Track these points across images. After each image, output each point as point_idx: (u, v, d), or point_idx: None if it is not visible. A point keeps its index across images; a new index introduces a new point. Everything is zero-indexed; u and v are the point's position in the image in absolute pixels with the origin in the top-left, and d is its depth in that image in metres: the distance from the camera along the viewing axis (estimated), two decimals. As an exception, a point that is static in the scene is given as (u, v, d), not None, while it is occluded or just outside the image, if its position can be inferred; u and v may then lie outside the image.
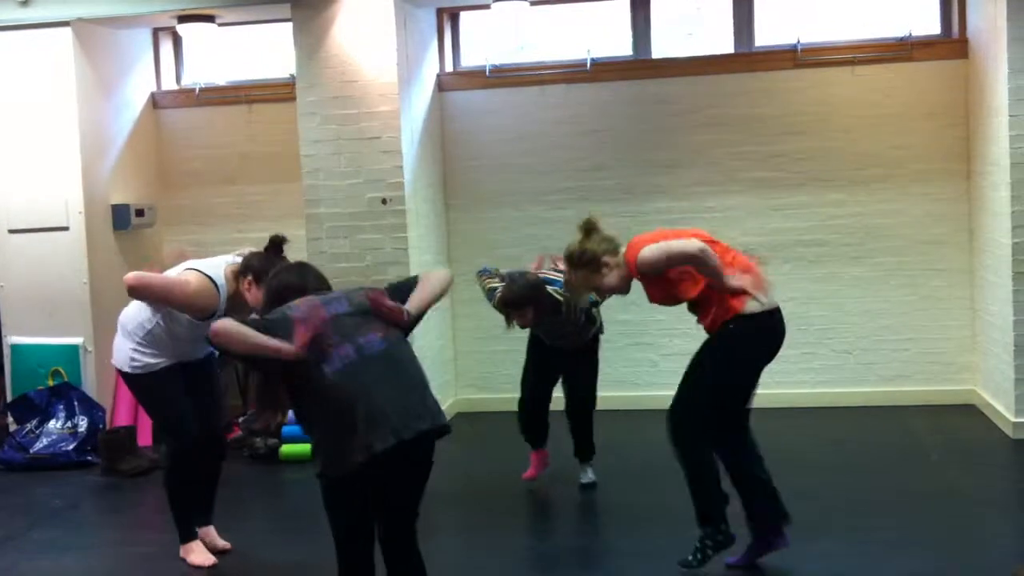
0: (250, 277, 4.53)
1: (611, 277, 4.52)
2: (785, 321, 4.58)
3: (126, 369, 4.87)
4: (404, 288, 3.77)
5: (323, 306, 3.55)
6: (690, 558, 4.54)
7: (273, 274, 3.89)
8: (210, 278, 4.64)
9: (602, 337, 5.80)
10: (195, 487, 4.93)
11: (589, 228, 4.60)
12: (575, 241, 4.59)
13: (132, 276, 4.66)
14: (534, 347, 5.75)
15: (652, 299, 4.62)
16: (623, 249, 4.53)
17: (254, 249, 4.72)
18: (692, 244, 4.30)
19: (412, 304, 3.68)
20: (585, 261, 4.51)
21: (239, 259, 4.72)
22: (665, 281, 4.45)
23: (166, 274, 4.78)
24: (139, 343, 4.80)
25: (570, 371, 5.73)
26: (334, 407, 3.40)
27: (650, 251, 4.34)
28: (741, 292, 4.36)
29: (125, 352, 4.85)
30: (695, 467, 4.54)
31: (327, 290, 3.75)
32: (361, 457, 3.34)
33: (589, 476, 5.80)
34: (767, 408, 7.28)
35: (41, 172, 7.06)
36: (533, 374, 5.77)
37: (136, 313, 4.83)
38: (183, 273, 4.71)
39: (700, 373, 4.54)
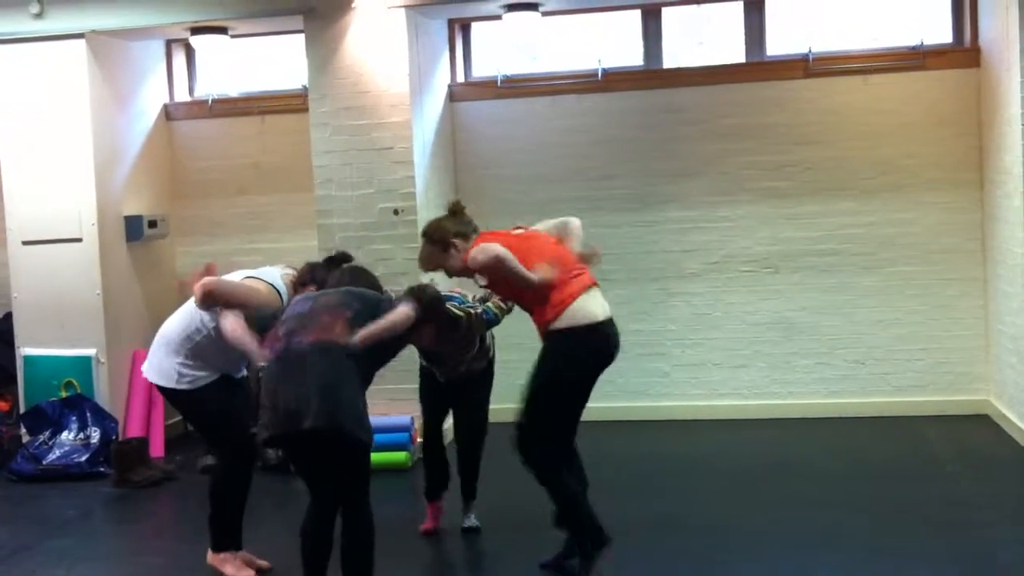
0: (314, 287, 4.61)
1: (455, 260, 4.68)
2: (618, 334, 4.61)
3: (172, 385, 4.78)
4: (374, 310, 4.22)
5: (292, 304, 4.31)
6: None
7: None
8: (273, 286, 4.69)
9: (495, 366, 5.45)
10: (243, 496, 4.90)
11: (453, 210, 4.79)
12: (436, 218, 4.80)
13: (210, 281, 4.59)
14: (424, 379, 5.42)
15: (496, 292, 4.77)
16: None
17: (310, 262, 4.83)
18: (493, 249, 4.42)
19: (359, 336, 4.09)
20: (436, 239, 4.71)
21: (289, 271, 4.82)
22: (499, 279, 4.53)
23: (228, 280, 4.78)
24: (185, 357, 4.74)
25: (461, 401, 5.34)
26: (262, 388, 4.13)
27: (472, 254, 4.49)
28: (552, 294, 4.43)
29: (169, 368, 4.77)
30: (555, 485, 4.59)
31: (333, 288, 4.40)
32: (263, 434, 4.08)
33: (472, 520, 5.41)
34: (780, 418, 7.33)
35: (54, 183, 7.09)
36: (427, 410, 5.43)
37: (184, 326, 4.76)
38: (247, 281, 4.71)
39: (531, 391, 4.58)
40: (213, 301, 4.60)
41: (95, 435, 6.88)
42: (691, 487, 6.03)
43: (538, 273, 4.45)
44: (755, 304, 7.44)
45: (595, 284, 4.60)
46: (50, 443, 6.86)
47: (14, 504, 6.36)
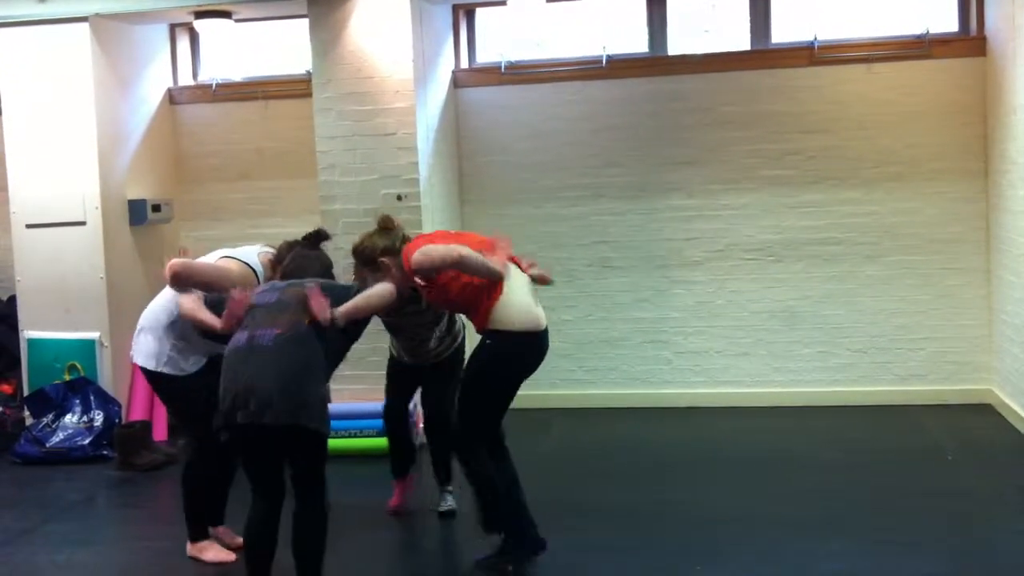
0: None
1: (382, 276, 4.60)
2: (548, 343, 4.65)
3: (161, 369, 4.81)
4: (342, 294, 4.22)
5: (258, 294, 4.23)
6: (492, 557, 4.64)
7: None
8: (248, 265, 4.71)
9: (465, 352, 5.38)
10: (215, 485, 4.92)
11: (383, 226, 4.77)
12: (365, 235, 4.77)
13: (177, 263, 4.61)
14: (393, 361, 5.47)
15: (429, 300, 4.73)
16: None
17: (288, 240, 4.76)
18: (452, 250, 4.39)
19: (341, 310, 4.12)
20: (364, 257, 4.69)
21: (267, 249, 4.82)
22: (438, 283, 4.51)
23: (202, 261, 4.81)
24: (176, 341, 4.77)
25: (428, 384, 5.36)
26: (221, 377, 4.10)
27: (417, 255, 4.44)
28: (502, 278, 4.46)
29: (159, 351, 4.80)
30: (482, 481, 4.59)
31: (292, 277, 4.35)
32: (217, 424, 4.08)
33: (448, 503, 5.42)
34: (782, 407, 7.34)
35: (58, 167, 7.09)
36: (391, 390, 5.47)
37: (164, 309, 4.80)
38: (220, 261, 4.74)
39: (463, 387, 4.62)
40: (182, 283, 4.60)
41: (98, 418, 6.90)
42: (692, 475, 6.04)
43: (497, 262, 4.46)
44: (758, 292, 7.44)
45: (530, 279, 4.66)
46: (53, 426, 6.88)
47: (17, 487, 6.38)
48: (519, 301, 4.50)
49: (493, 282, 4.46)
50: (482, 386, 4.55)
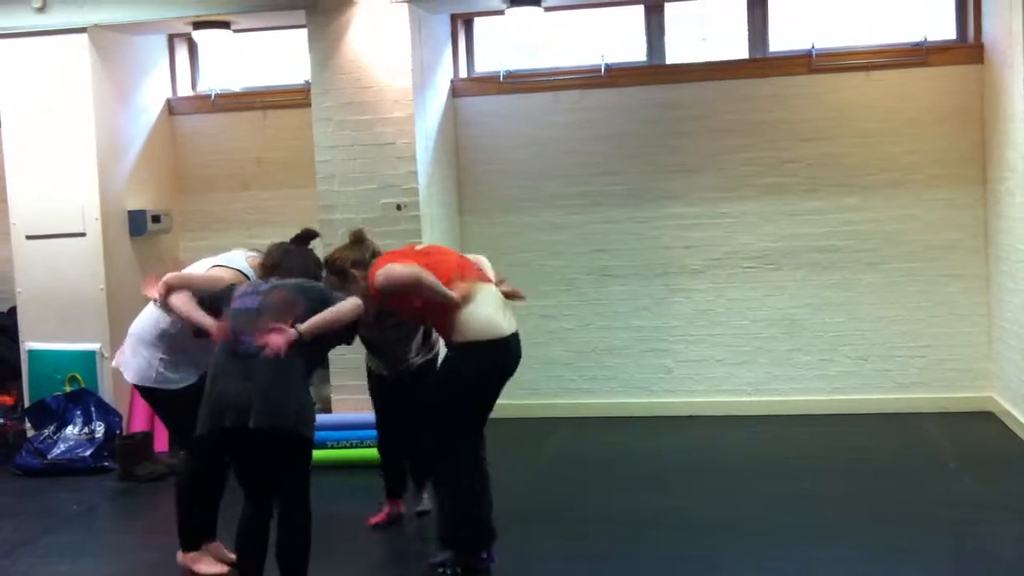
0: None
1: (354, 288, 4.67)
2: (521, 348, 4.72)
3: (150, 384, 4.80)
4: (320, 297, 4.26)
5: (239, 297, 4.27)
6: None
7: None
8: (239, 271, 4.71)
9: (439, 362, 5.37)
10: (208, 497, 4.88)
11: (355, 239, 4.88)
12: (337, 248, 4.90)
13: (173, 276, 4.65)
14: (372, 379, 5.47)
15: (401, 315, 4.83)
16: None
17: (277, 242, 4.72)
18: (408, 270, 4.49)
19: (305, 326, 4.12)
20: (335, 269, 4.78)
21: (253, 253, 4.81)
22: (401, 298, 4.58)
23: (191, 270, 4.82)
24: (164, 354, 4.76)
25: (410, 394, 5.24)
26: (206, 383, 4.19)
27: (379, 275, 4.52)
28: (458, 306, 4.53)
29: (148, 366, 4.79)
30: (453, 493, 4.64)
31: (274, 273, 4.40)
32: (201, 428, 4.13)
33: (425, 504, 5.47)
34: (782, 415, 7.33)
35: (58, 178, 7.10)
36: (379, 404, 5.48)
37: (154, 321, 4.79)
38: (211, 270, 4.74)
39: (435, 402, 4.66)
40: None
41: (99, 430, 6.89)
42: (693, 483, 6.04)
43: (458, 290, 4.53)
44: (757, 300, 7.45)
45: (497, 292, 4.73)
46: (54, 438, 6.88)
47: (18, 498, 6.38)
48: (482, 312, 4.57)
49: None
50: (452, 399, 4.59)
